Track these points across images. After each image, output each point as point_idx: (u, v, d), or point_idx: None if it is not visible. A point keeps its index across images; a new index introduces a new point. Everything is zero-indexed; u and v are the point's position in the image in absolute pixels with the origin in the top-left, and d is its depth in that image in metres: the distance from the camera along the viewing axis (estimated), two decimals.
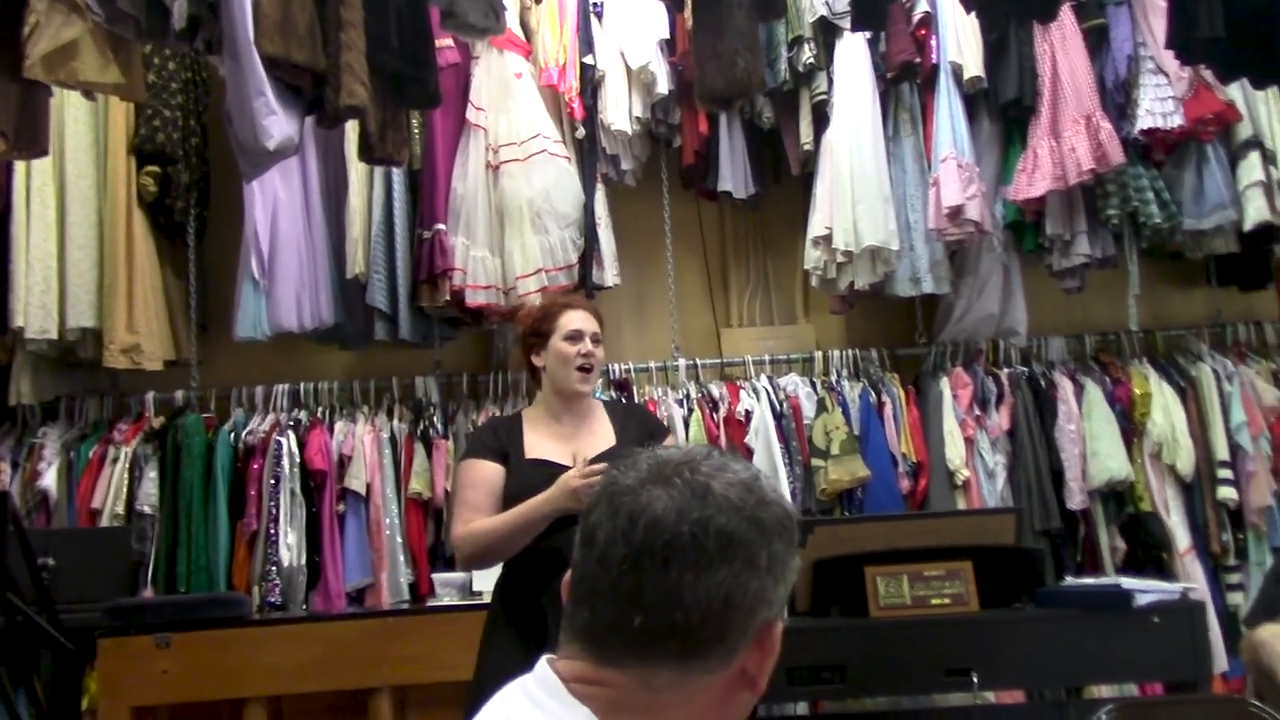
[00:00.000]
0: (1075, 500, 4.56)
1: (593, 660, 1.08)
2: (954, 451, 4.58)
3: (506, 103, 4.60)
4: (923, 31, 4.63)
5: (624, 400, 4.61)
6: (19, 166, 4.44)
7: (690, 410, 4.69)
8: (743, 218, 5.28)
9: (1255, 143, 4.59)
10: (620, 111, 4.67)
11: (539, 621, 2.80)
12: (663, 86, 4.68)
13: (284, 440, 4.55)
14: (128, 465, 4.57)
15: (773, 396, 4.73)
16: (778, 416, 4.68)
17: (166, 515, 4.52)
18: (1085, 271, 4.77)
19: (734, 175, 4.81)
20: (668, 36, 4.71)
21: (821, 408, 4.69)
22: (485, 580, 3.77)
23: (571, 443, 3.03)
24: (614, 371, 4.80)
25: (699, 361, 4.95)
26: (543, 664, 1.11)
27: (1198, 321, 5.12)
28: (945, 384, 4.72)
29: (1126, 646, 3.24)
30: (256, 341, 4.58)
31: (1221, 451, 4.64)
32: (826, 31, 4.70)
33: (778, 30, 4.70)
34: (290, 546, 4.45)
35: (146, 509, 4.51)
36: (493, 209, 4.56)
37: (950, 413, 4.65)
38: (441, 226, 4.53)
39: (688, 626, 1.05)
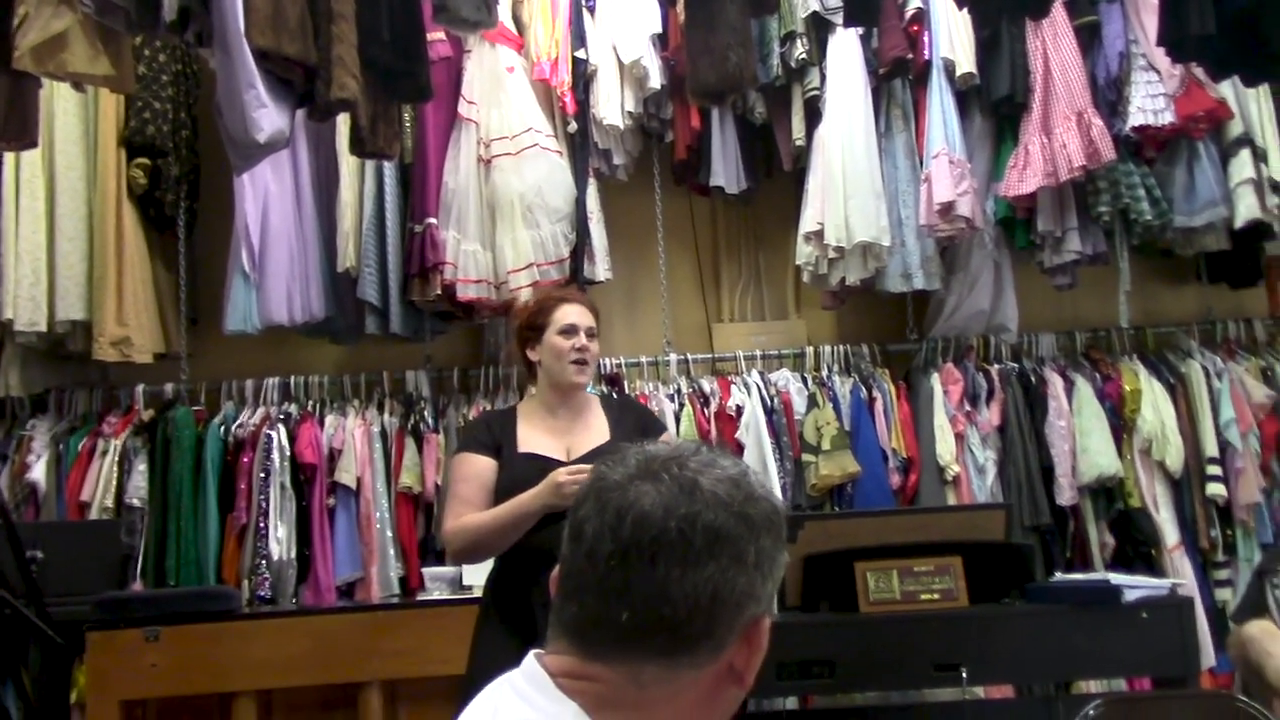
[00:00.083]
0: (1065, 496, 4.57)
1: (580, 655, 1.08)
2: (944, 447, 4.59)
3: (498, 97, 4.59)
4: (915, 27, 4.63)
5: (618, 395, 4.60)
6: (8, 158, 4.43)
7: (681, 405, 4.69)
8: (734, 213, 5.28)
9: (1246, 140, 4.60)
10: (612, 106, 4.67)
11: (529, 616, 2.80)
12: (655, 81, 4.67)
13: (274, 434, 4.54)
14: (117, 458, 4.55)
15: (764, 392, 4.73)
16: (769, 412, 4.68)
17: (156, 508, 4.51)
18: (1076, 268, 4.78)
19: (726, 170, 4.81)
20: (660, 31, 4.71)
21: (812, 403, 4.69)
22: (475, 574, 3.78)
23: (565, 437, 3.03)
24: (605, 366, 4.80)
25: (690, 356, 4.95)
26: (530, 659, 1.11)
27: (1188, 318, 5.14)
28: (936, 380, 4.73)
29: (1115, 642, 3.26)
30: (247, 335, 4.58)
31: (1211, 448, 4.66)
32: (819, 27, 4.70)
33: (770, 25, 4.70)
34: (280, 540, 4.44)
35: (136, 502, 4.50)
36: (484, 203, 4.56)
37: (941, 408, 4.66)
38: (433, 220, 4.53)
39: (675, 622, 1.05)
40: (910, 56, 4.63)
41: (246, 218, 4.51)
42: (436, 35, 4.28)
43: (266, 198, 4.54)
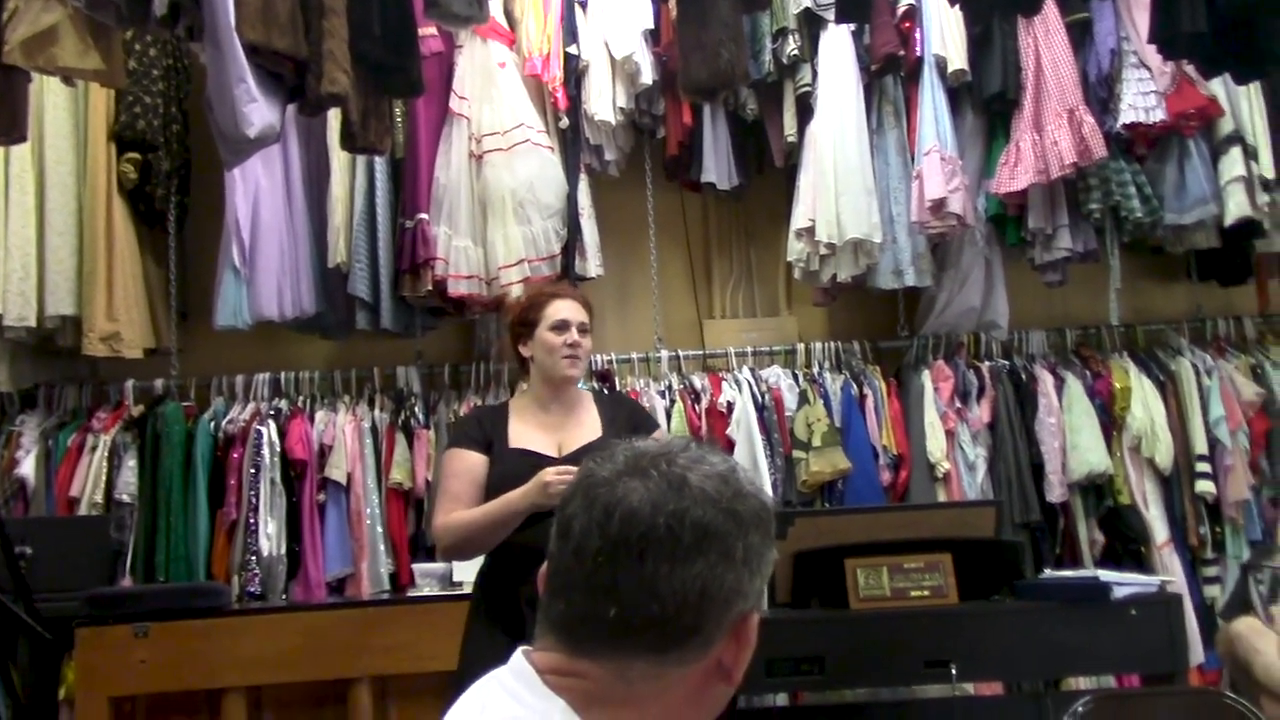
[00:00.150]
0: (1055, 493, 4.59)
1: (568, 652, 1.08)
2: (935, 444, 4.59)
3: (490, 92, 4.58)
4: (907, 24, 4.63)
5: (611, 391, 4.60)
6: None
7: (672, 401, 4.70)
8: (726, 209, 5.28)
9: (1237, 138, 4.61)
10: (604, 102, 4.66)
11: (517, 613, 2.80)
12: (647, 77, 4.67)
13: (264, 429, 4.53)
14: (107, 453, 4.54)
15: (755, 388, 4.73)
16: (759, 408, 4.68)
17: (145, 504, 4.50)
18: (1067, 265, 4.79)
19: (717, 166, 4.81)
20: (652, 27, 4.70)
21: (803, 400, 4.69)
22: (466, 570, 3.77)
23: (558, 433, 3.03)
24: (596, 362, 4.80)
25: (681, 353, 4.95)
26: (518, 655, 1.11)
27: (1178, 316, 5.15)
28: (927, 377, 4.73)
29: (1104, 639, 3.26)
30: (237, 330, 4.56)
31: (1200, 445, 4.67)
32: (811, 23, 4.70)
33: (762, 22, 4.69)
34: (270, 536, 4.43)
35: (125, 498, 4.49)
36: (475, 199, 4.55)
37: (931, 405, 4.66)
38: (424, 216, 4.52)
39: (663, 618, 1.05)
40: (902, 53, 4.63)
41: (237, 212, 4.49)
42: (428, 30, 4.27)
43: (257, 193, 4.53)
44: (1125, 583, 3.36)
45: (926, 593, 3.32)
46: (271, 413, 4.63)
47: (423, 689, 3.41)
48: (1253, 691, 3.50)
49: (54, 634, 3.63)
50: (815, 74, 4.69)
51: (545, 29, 4.66)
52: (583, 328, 3.08)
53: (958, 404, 4.71)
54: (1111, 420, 4.70)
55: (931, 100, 4.62)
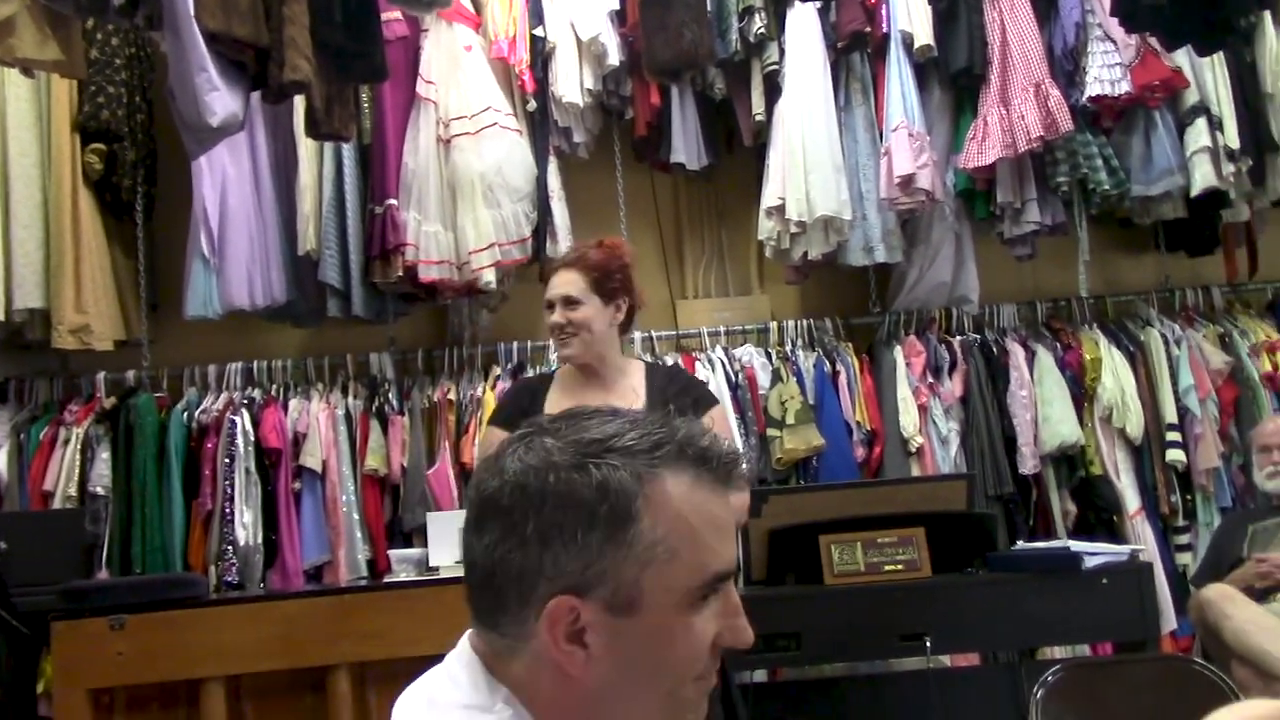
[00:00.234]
0: (1027, 465, 4.62)
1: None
2: (908, 419, 4.62)
3: (456, 76, 4.57)
4: (873, 1, 4.63)
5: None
6: None
7: None
8: (696, 189, 5.28)
9: (1202, 109, 4.63)
10: (571, 84, 4.65)
11: None
12: (613, 58, 4.66)
13: (238, 419, 4.53)
14: (79, 446, 4.52)
15: (728, 367, 4.75)
16: (733, 387, 4.70)
17: (120, 496, 4.48)
18: (1036, 239, 4.81)
19: (686, 147, 4.80)
20: (618, 8, 4.69)
21: (776, 378, 4.71)
22: (442, 556, 3.78)
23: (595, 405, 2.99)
24: None
25: (654, 333, 4.95)
26: (464, 638, 1.11)
27: (1146, 287, 5.19)
28: (899, 352, 4.75)
29: (1076, 608, 3.31)
30: (208, 320, 4.54)
31: (1170, 415, 4.71)
32: (777, 2, 4.70)
33: (728, 0, 4.69)
34: (246, 525, 4.43)
35: (100, 490, 4.47)
36: (444, 183, 4.53)
37: (904, 381, 4.69)
38: (393, 201, 4.50)
39: (471, 589, 1.06)
40: (868, 30, 4.64)
41: (205, 202, 4.47)
42: (393, 15, 4.24)
43: (224, 181, 4.50)
44: (1096, 552, 3.41)
45: (900, 567, 3.36)
46: (245, 402, 4.62)
47: (401, 674, 3.36)
48: (1223, 656, 3.56)
49: (31, 628, 3.62)
50: (782, 52, 4.69)
51: (511, 11, 4.64)
52: (568, 301, 2.94)
53: (930, 379, 4.73)
54: (1082, 391, 4.73)
55: (898, 76, 4.63)
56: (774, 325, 4.97)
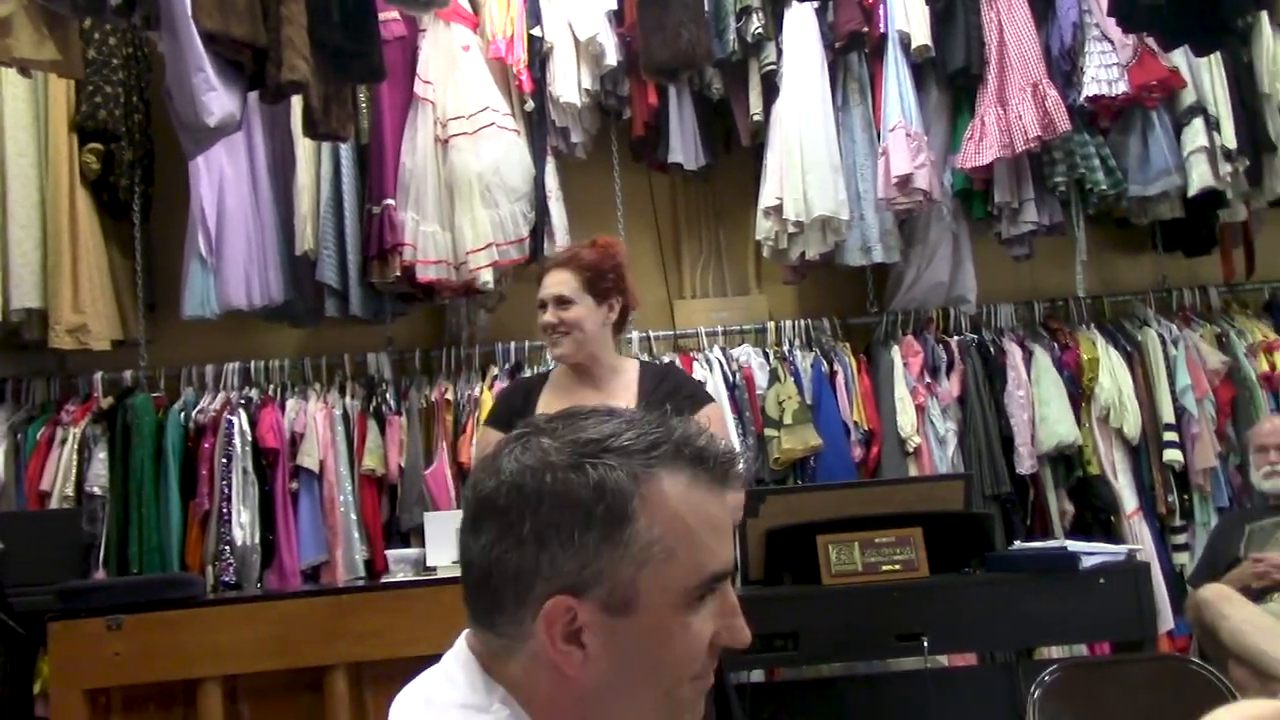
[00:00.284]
0: (1025, 465, 4.62)
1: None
2: (905, 419, 4.62)
3: (454, 76, 4.56)
4: (870, 1, 4.63)
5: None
6: None
7: None
8: (694, 189, 5.28)
9: (1199, 109, 4.64)
10: (569, 84, 4.65)
11: None
12: (611, 58, 4.66)
13: (235, 419, 4.52)
14: (76, 446, 4.52)
15: (726, 367, 4.75)
16: (731, 387, 4.70)
17: (117, 496, 4.48)
18: (1033, 239, 4.82)
19: (684, 147, 4.80)
20: (615, 8, 4.69)
21: (774, 378, 4.71)
22: (439, 556, 3.78)
23: (586, 405, 2.98)
24: None
25: (652, 333, 4.95)
26: (461, 638, 1.11)
27: (1144, 287, 5.19)
28: (896, 352, 4.75)
29: (1074, 608, 3.31)
30: (205, 320, 4.54)
31: (1167, 415, 4.71)
32: (775, 2, 4.70)
33: (726, 0, 4.69)
34: (243, 525, 4.43)
35: (96, 490, 4.47)
36: (442, 183, 4.53)
37: (901, 381, 4.69)
38: (390, 201, 4.50)
39: (468, 589, 1.06)
40: (866, 30, 4.65)
41: (202, 201, 4.46)
42: (390, 14, 4.24)
43: (222, 181, 4.50)
44: (1093, 552, 3.41)
45: (898, 566, 3.36)
46: (242, 402, 4.62)
47: (398, 674, 3.35)
48: (1220, 656, 3.56)
49: (27, 628, 3.62)
50: (780, 52, 4.69)
51: (509, 11, 4.64)
52: (560, 301, 2.93)
53: (927, 379, 4.73)
54: (1080, 391, 4.74)
55: (896, 76, 4.63)
56: (771, 325, 4.97)
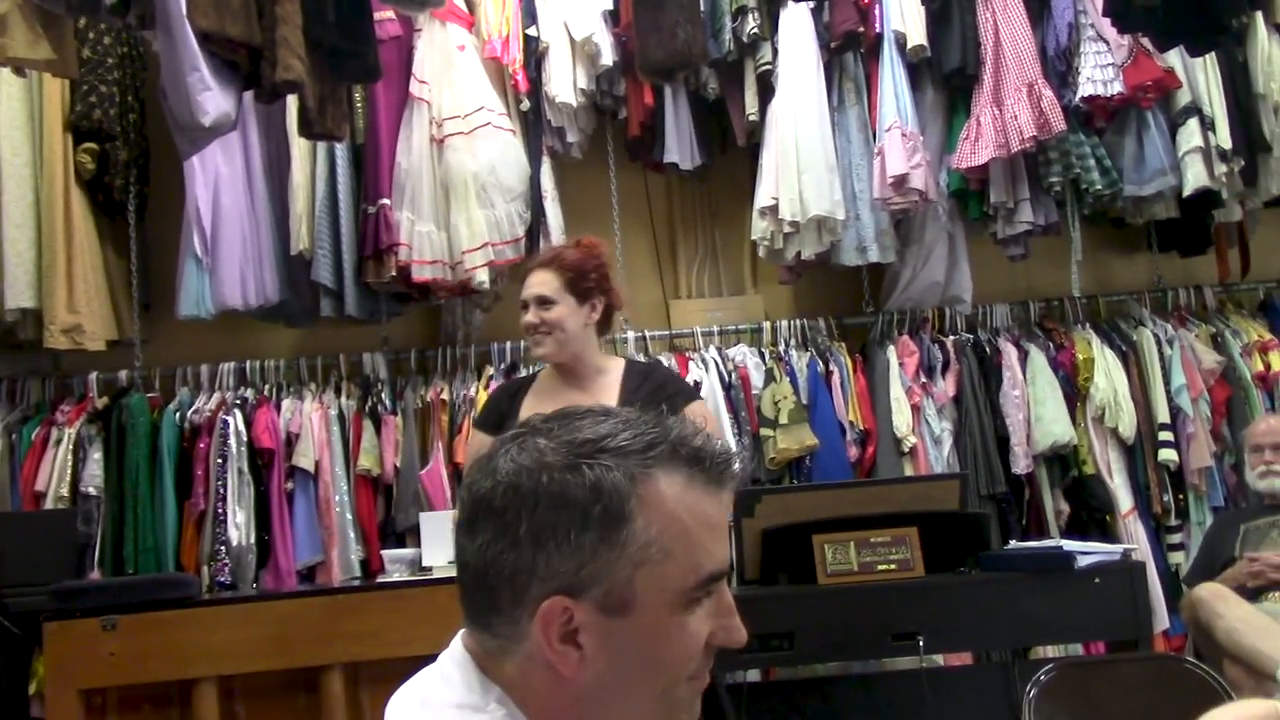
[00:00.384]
0: (1020, 465, 4.62)
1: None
2: (901, 419, 4.62)
3: (450, 75, 4.56)
4: (866, 1, 4.63)
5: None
6: None
7: None
8: (690, 189, 5.28)
9: (1194, 109, 4.64)
10: (565, 84, 4.65)
11: None
12: (607, 58, 4.65)
13: (230, 419, 4.52)
14: (71, 446, 4.51)
15: (721, 367, 4.75)
16: (726, 387, 4.69)
17: (112, 496, 4.47)
18: (1029, 239, 4.82)
19: (680, 147, 4.80)
20: (611, 8, 4.69)
21: (770, 378, 4.71)
22: (435, 556, 3.78)
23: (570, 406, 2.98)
24: None
25: (648, 333, 4.95)
26: (457, 638, 1.11)
27: (1139, 286, 5.19)
28: (892, 352, 4.75)
29: (1069, 608, 3.31)
30: (200, 320, 4.54)
31: (1162, 414, 4.71)
32: (770, 1, 4.70)
33: (722, 0, 4.69)
34: (239, 525, 4.42)
35: (92, 490, 4.46)
36: (437, 183, 4.53)
37: (897, 380, 4.69)
38: (386, 201, 4.50)
39: (464, 590, 1.06)
40: (861, 30, 4.64)
41: (197, 201, 4.46)
42: (386, 14, 4.25)
43: (217, 181, 4.50)
44: (1089, 552, 3.41)
45: (893, 566, 3.36)
46: (237, 402, 4.61)
47: (394, 675, 3.36)
48: (1215, 655, 3.57)
49: (22, 629, 3.61)
50: (776, 52, 4.69)
51: (504, 11, 4.64)
52: (542, 301, 2.95)
53: (923, 378, 4.73)
54: (1075, 391, 4.73)
55: (892, 76, 4.63)
56: (767, 325, 4.97)
